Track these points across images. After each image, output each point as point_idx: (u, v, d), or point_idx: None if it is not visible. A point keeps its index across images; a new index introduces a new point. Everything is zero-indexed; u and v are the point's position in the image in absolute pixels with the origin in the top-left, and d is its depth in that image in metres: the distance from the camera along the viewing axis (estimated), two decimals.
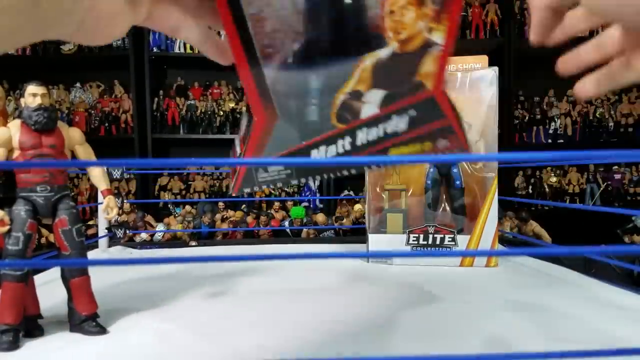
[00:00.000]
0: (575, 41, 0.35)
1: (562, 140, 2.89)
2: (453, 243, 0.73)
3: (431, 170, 0.77)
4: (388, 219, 0.75)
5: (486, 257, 0.73)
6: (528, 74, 2.84)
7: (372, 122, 0.44)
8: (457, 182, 0.76)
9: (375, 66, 0.42)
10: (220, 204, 1.89)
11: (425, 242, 0.74)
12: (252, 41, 0.38)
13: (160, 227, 1.93)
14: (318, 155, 0.45)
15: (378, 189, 0.77)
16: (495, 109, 0.75)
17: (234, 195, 0.47)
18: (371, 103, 0.43)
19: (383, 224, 0.75)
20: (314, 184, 2.49)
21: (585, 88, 0.36)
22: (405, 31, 0.41)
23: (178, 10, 0.34)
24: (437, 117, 0.45)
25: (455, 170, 0.76)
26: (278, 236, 1.69)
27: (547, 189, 2.93)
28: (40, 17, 0.24)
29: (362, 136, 0.45)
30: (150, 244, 1.21)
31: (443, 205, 0.77)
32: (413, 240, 0.75)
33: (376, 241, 0.75)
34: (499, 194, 1.00)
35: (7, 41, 0.24)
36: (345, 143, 0.46)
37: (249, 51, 0.39)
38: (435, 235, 0.74)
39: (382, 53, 0.42)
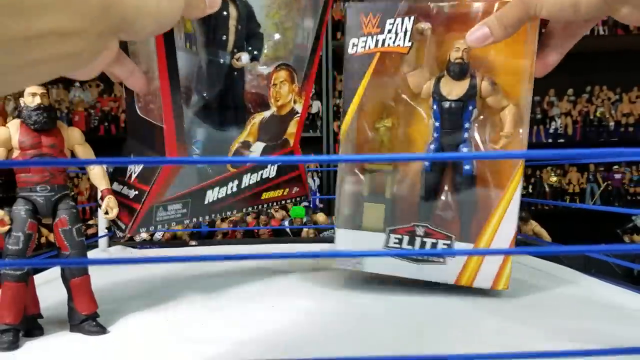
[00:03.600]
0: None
1: (562, 140, 2.89)
2: None
3: (432, 146, 0.56)
4: (365, 211, 0.57)
5: (493, 277, 0.54)
6: None
7: (254, 168, 0.59)
8: (467, 167, 0.54)
9: (260, 122, 0.58)
10: None
11: (410, 247, 0.54)
12: (179, 90, 0.49)
13: None
14: (212, 195, 0.56)
15: (356, 169, 0.58)
16: (531, 62, 0.51)
17: (128, 235, 0.51)
18: (255, 152, 0.58)
19: (358, 216, 0.57)
20: (313, 182, 2.49)
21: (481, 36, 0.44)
22: (281, 99, 0.58)
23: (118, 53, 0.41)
24: (293, 168, 0.62)
25: (465, 148, 0.54)
26: (278, 236, 1.69)
27: (547, 189, 2.93)
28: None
29: (246, 180, 0.58)
30: (150, 243, 1.21)
31: (445, 198, 0.56)
32: (394, 243, 0.55)
33: (345, 239, 0.57)
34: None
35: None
36: (233, 185, 0.58)
37: (175, 100, 0.49)
38: (425, 240, 0.54)
39: (266, 114, 0.58)
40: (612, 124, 2.83)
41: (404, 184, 0.57)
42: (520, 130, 0.53)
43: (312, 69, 0.59)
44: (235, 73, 0.53)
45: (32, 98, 0.48)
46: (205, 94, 0.52)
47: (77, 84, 2.66)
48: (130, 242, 1.00)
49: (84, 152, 0.52)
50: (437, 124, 0.55)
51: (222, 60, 0.52)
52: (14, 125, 0.48)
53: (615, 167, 2.81)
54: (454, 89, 0.54)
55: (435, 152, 0.55)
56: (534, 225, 1.98)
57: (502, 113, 0.53)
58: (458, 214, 0.55)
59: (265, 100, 0.57)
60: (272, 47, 0.56)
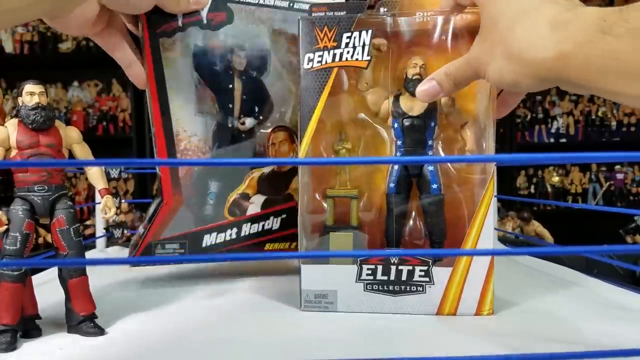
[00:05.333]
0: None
1: (564, 140, 2.88)
2: (427, 279, 0.51)
3: (396, 167, 0.53)
4: (332, 241, 0.53)
5: (476, 303, 0.50)
6: None
7: (255, 219, 0.62)
8: (434, 186, 0.52)
9: (260, 178, 0.62)
10: None
11: (385, 278, 0.51)
12: (173, 141, 0.59)
13: None
14: (209, 239, 0.61)
15: (318, 196, 0.54)
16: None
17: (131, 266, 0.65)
18: (255, 204, 0.62)
19: (324, 248, 0.53)
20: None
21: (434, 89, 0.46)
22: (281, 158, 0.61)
23: (119, 35, 0.54)
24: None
25: (431, 168, 0.53)
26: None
27: (549, 189, 2.92)
28: None
29: (246, 229, 0.62)
30: None
31: (412, 221, 0.54)
32: (367, 275, 0.51)
33: (313, 277, 0.52)
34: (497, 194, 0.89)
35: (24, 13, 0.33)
36: (232, 232, 0.62)
37: (170, 149, 0.58)
38: (401, 268, 0.51)
39: (266, 170, 0.62)
40: (614, 123, 2.83)
41: (371, 209, 0.54)
42: (484, 145, 0.51)
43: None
44: (243, 134, 0.62)
45: (30, 97, 0.48)
46: (216, 151, 0.61)
47: (76, 83, 2.66)
48: (128, 243, 1.00)
49: (82, 151, 0.52)
50: (399, 142, 0.52)
51: (230, 125, 0.61)
52: (12, 124, 0.48)
53: (618, 167, 2.81)
54: (414, 106, 0.52)
55: (398, 173, 0.52)
56: (536, 226, 1.98)
57: (462, 130, 0.52)
58: (427, 238, 0.53)
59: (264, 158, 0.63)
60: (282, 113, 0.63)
